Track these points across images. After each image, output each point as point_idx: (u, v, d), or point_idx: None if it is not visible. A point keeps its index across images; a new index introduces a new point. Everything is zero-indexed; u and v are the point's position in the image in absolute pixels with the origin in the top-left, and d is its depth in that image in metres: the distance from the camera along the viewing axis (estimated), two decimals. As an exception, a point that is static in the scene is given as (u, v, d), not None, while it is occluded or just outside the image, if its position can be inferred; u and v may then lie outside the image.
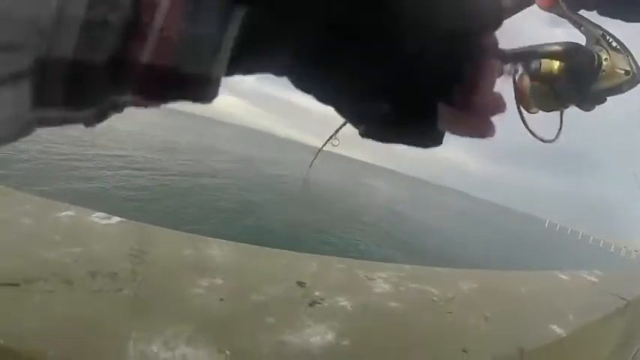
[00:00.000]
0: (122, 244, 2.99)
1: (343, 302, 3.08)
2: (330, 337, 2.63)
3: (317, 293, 3.09)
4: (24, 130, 0.40)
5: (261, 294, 2.87)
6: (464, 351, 2.86)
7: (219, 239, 3.45)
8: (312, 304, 2.95)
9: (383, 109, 0.55)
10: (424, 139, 0.60)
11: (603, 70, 0.77)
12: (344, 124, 2.80)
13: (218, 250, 3.29)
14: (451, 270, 4.51)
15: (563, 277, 5.26)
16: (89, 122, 0.47)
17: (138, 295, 2.46)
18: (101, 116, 0.47)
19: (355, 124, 0.65)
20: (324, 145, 3.05)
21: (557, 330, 3.50)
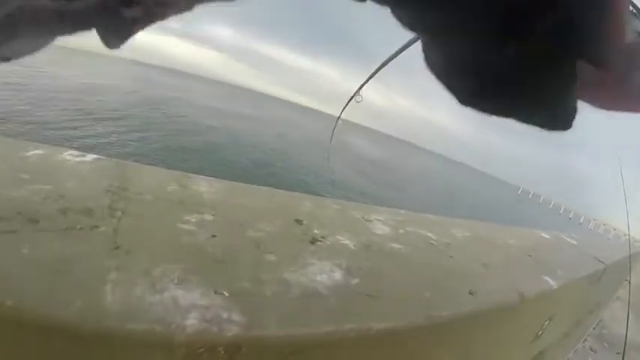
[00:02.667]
0: (98, 181, 2.66)
1: (345, 241, 2.89)
2: (337, 275, 2.43)
3: (316, 231, 2.88)
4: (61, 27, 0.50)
5: (257, 230, 2.60)
6: (470, 293, 2.79)
7: (206, 176, 3.18)
8: (313, 241, 2.73)
9: (495, 60, 0.46)
10: (550, 114, 0.49)
11: None
12: (367, 81, 2.61)
13: (207, 186, 3.01)
14: (441, 218, 4.52)
15: (545, 235, 5.41)
16: (113, 42, 0.57)
17: (117, 232, 2.15)
18: (129, 31, 0.54)
19: (449, 79, 0.56)
20: (348, 102, 2.90)
21: (550, 281, 3.55)
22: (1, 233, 1.95)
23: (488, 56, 0.47)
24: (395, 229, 3.39)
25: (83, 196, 2.41)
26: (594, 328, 7.22)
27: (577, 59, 0.42)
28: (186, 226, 2.38)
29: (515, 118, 0.52)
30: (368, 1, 0.51)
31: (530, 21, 0.41)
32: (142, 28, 0.54)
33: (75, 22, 0.51)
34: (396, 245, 3.09)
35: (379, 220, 3.49)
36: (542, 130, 0.52)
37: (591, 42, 0.41)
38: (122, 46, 0.56)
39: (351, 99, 2.87)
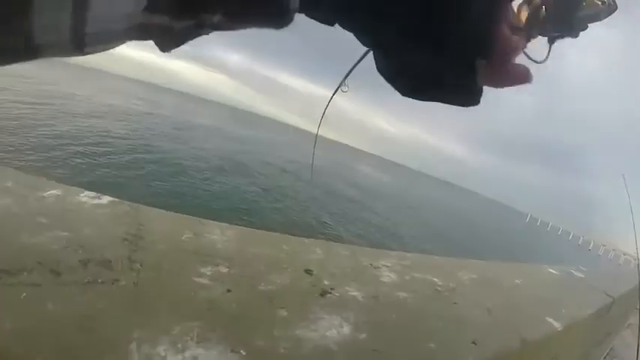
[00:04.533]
0: (115, 228, 2.71)
1: (353, 292, 2.94)
2: (346, 330, 2.48)
3: (326, 282, 2.93)
4: (129, 33, 0.47)
5: (269, 283, 2.66)
6: (473, 343, 2.83)
7: (219, 222, 3.24)
8: (322, 294, 2.78)
9: (423, 64, 0.64)
10: (464, 96, 0.67)
11: (584, 0, 0.82)
12: (351, 70, 2.68)
13: (219, 234, 3.06)
14: (448, 259, 4.57)
15: (552, 271, 5.44)
16: (167, 46, 0.57)
17: (137, 286, 2.19)
18: (185, 37, 0.55)
19: (393, 80, 0.70)
20: (334, 93, 2.93)
21: (554, 323, 3.57)
22: (26, 286, 1.98)
23: (418, 61, 0.62)
24: (401, 276, 3.45)
25: (102, 246, 2.45)
26: (605, 358, 7.16)
27: (476, 57, 0.59)
28: (202, 280, 2.43)
29: (441, 102, 0.68)
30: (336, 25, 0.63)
31: (444, 36, 0.57)
32: (198, 35, 0.57)
33: (161, 37, 0.54)
34: (402, 294, 3.15)
35: (387, 266, 3.55)
36: (462, 106, 0.68)
37: (484, 46, 0.57)
38: (174, 50, 0.58)
39: (337, 90, 2.92)
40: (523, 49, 0.69)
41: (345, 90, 2.83)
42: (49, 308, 1.90)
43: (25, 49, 0.41)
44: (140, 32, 0.48)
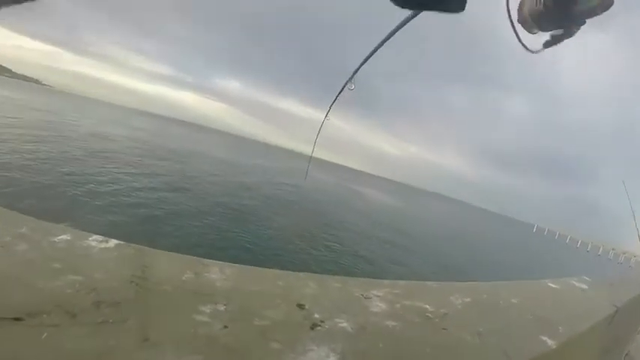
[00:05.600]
0: (122, 270, 2.97)
1: (343, 324, 3.14)
2: (332, 360, 2.68)
3: (317, 315, 3.14)
4: None
5: (263, 318, 2.89)
6: None
7: (218, 261, 3.49)
8: (313, 326, 2.99)
9: None
10: (450, 2, 0.72)
11: None
12: (359, 67, 2.87)
13: (218, 273, 3.31)
14: (442, 284, 4.62)
15: (552, 285, 5.44)
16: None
17: (144, 325, 2.45)
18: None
19: None
20: (339, 92, 3.10)
21: (548, 341, 3.63)
22: (46, 327, 2.24)
23: None
24: (392, 305, 3.61)
25: (111, 288, 2.72)
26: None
27: None
28: (201, 318, 2.69)
29: (431, 9, 0.73)
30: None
31: None
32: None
33: None
34: (391, 323, 3.32)
35: (378, 296, 3.72)
36: (450, 12, 0.73)
37: None
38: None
39: (344, 86, 3.06)
40: None
41: (351, 88, 3.04)
42: (67, 346, 2.15)
43: None
44: None
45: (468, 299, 4.18)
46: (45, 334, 2.18)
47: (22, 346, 2.08)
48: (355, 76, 3.02)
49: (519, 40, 1.28)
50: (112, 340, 2.28)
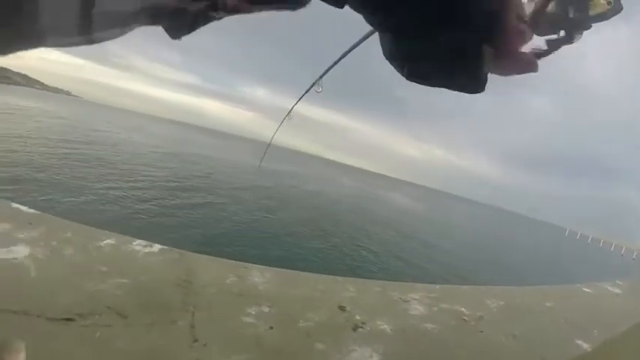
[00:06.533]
0: (168, 274, 3.03)
1: (383, 326, 3.15)
2: (376, 361, 2.69)
3: (358, 317, 3.15)
4: (138, 17, 0.48)
5: (307, 320, 2.91)
6: None
7: (258, 265, 3.54)
8: (355, 328, 3.01)
9: (430, 48, 0.61)
10: (469, 82, 0.65)
11: (591, 0, 0.92)
12: (326, 72, 2.87)
13: (260, 276, 3.36)
14: (477, 288, 4.68)
15: (586, 290, 5.46)
16: (178, 32, 0.55)
17: (193, 326, 2.48)
18: (197, 21, 0.54)
19: (400, 64, 0.68)
20: (304, 93, 3.10)
21: (583, 345, 3.65)
22: (98, 327, 2.29)
23: (426, 47, 0.61)
24: (429, 308, 3.63)
25: (158, 291, 2.76)
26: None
27: (482, 44, 0.58)
28: (248, 319, 2.72)
29: (446, 87, 0.66)
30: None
31: (453, 21, 0.56)
32: (210, 20, 0.56)
33: (173, 21, 0.54)
34: (429, 325, 3.33)
35: (415, 299, 3.75)
36: (466, 92, 0.66)
37: (491, 33, 0.57)
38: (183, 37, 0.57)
39: (310, 87, 3.05)
40: (530, 38, 0.65)
41: (318, 90, 3.05)
42: (119, 346, 2.19)
43: (30, 33, 0.42)
44: (150, 16, 0.50)
45: (502, 303, 4.19)
46: (98, 334, 2.21)
47: (76, 344, 2.12)
48: (323, 79, 3.02)
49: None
50: (163, 340, 2.32)
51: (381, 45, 0.68)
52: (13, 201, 3.91)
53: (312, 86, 2.95)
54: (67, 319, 2.31)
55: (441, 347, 3.13)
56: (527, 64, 0.61)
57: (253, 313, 2.79)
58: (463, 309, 3.81)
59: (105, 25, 0.46)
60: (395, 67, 0.69)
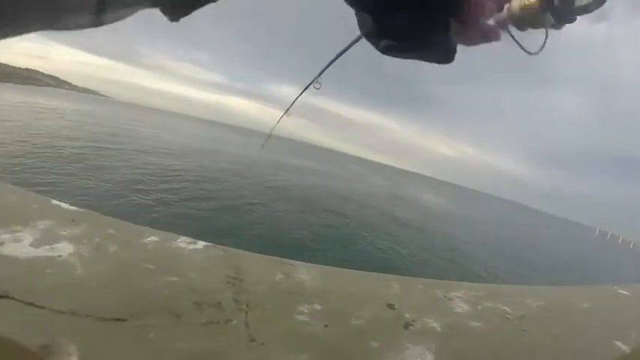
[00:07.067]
0: (216, 271, 2.98)
1: (432, 323, 3.10)
2: (429, 359, 2.63)
3: (407, 315, 3.11)
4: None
5: (358, 318, 2.86)
6: None
7: (303, 262, 3.50)
8: (405, 326, 2.96)
9: (403, 25, 0.67)
10: (439, 53, 0.73)
11: None
12: (325, 69, 2.85)
13: (306, 273, 3.31)
14: (517, 287, 4.68)
15: (622, 292, 5.39)
16: (177, 14, 0.58)
17: (248, 325, 2.43)
18: (195, 2, 0.57)
19: (377, 41, 0.74)
20: (303, 90, 3.09)
21: (622, 346, 3.59)
22: (152, 327, 2.24)
23: (398, 23, 0.67)
24: (474, 306, 3.60)
25: (209, 289, 2.71)
26: None
27: (448, 18, 0.65)
28: (302, 317, 2.66)
29: (420, 59, 0.74)
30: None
31: (419, 3, 0.62)
32: (208, 2, 0.60)
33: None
34: (475, 323, 3.29)
35: (458, 297, 3.72)
36: (437, 63, 0.74)
37: (457, 7, 0.64)
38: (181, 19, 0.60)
39: (310, 84, 3.05)
40: (493, 10, 0.75)
41: (317, 87, 3.02)
42: (175, 346, 2.14)
43: (48, 9, 0.43)
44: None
45: (542, 302, 4.17)
46: (152, 335, 2.16)
47: (130, 346, 2.07)
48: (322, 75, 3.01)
49: (516, 41, 1.25)
50: (220, 340, 2.26)
51: (359, 24, 0.75)
52: (53, 197, 3.90)
53: (311, 83, 2.92)
54: (119, 319, 2.25)
55: (488, 346, 3.09)
56: (489, 35, 0.73)
57: (306, 311, 2.73)
58: (506, 308, 3.78)
59: (112, 5, 0.48)
60: (372, 44, 0.75)
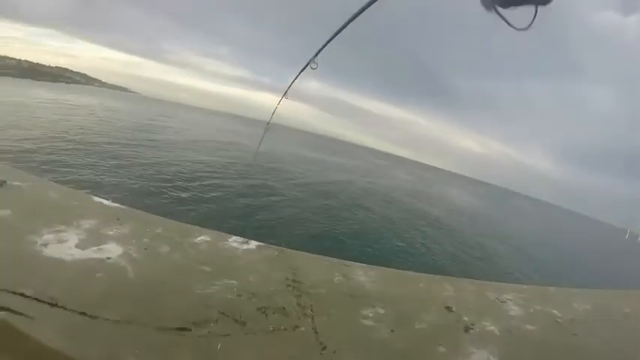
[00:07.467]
0: (273, 273, 2.90)
1: (490, 327, 3.06)
2: (495, 363, 2.59)
3: (465, 318, 3.06)
4: None
5: (421, 321, 2.79)
6: None
7: (358, 263, 3.45)
8: (466, 329, 2.91)
9: None
10: None
11: None
12: (323, 47, 2.81)
13: (364, 275, 3.24)
14: (560, 290, 4.66)
15: None
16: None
17: (316, 331, 2.34)
18: None
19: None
20: (302, 70, 3.04)
21: None
22: (217, 337, 2.13)
23: None
24: (525, 309, 3.55)
25: (269, 292, 2.62)
26: None
27: None
28: (367, 322, 2.58)
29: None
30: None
31: None
32: None
33: None
34: (529, 327, 3.24)
35: (510, 299, 3.66)
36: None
37: None
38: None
39: (307, 65, 3.00)
40: None
41: (314, 67, 2.97)
42: (245, 357, 2.04)
43: None
44: None
45: (588, 306, 4.15)
46: (220, 346, 2.06)
47: (195, 358, 1.97)
48: (319, 55, 2.96)
49: (502, 18, 1.26)
50: (291, 349, 2.17)
51: None
52: (92, 194, 3.82)
53: (308, 63, 2.89)
54: (181, 329, 2.15)
55: (546, 350, 3.05)
56: None
57: (370, 315, 2.66)
58: (555, 311, 3.76)
59: None
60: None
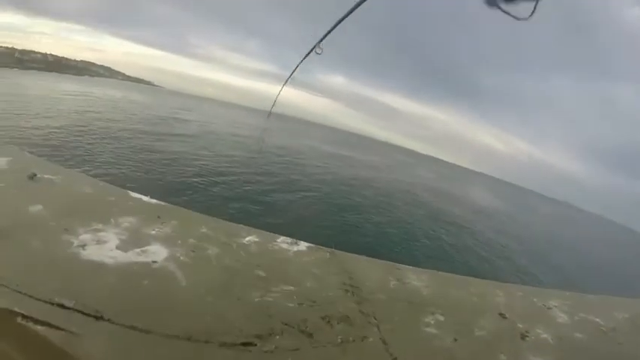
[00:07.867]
0: (330, 277, 2.86)
1: (543, 334, 3.06)
2: (553, 372, 2.60)
3: (519, 325, 3.10)
4: None
5: (480, 329, 2.80)
6: None
7: (409, 266, 3.43)
8: (522, 337, 2.94)
9: None
10: None
11: None
12: (328, 33, 2.78)
13: (416, 279, 3.21)
14: (600, 298, 4.70)
15: None
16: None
17: (385, 342, 2.28)
18: None
19: None
20: (306, 56, 3.00)
21: None
22: (285, 351, 2.05)
23: None
24: (571, 317, 3.59)
25: (329, 299, 2.56)
26: None
27: None
28: (431, 330, 2.55)
29: None
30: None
31: None
32: None
33: None
34: (578, 335, 3.27)
35: (555, 306, 3.71)
36: None
37: None
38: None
39: (311, 50, 3.00)
40: None
41: (319, 52, 2.93)
42: None
43: None
44: None
45: (627, 315, 4.17)
46: None
47: None
48: (324, 40, 2.91)
49: (502, 10, 1.25)
50: None
51: None
52: (128, 189, 3.70)
53: (312, 49, 2.85)
54: (246, 344, 2.05)
55: (596, 357, 3.06)
56: None
57: (432, 322, 2.64)
58: (597, 319, 3.77)
59: None
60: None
